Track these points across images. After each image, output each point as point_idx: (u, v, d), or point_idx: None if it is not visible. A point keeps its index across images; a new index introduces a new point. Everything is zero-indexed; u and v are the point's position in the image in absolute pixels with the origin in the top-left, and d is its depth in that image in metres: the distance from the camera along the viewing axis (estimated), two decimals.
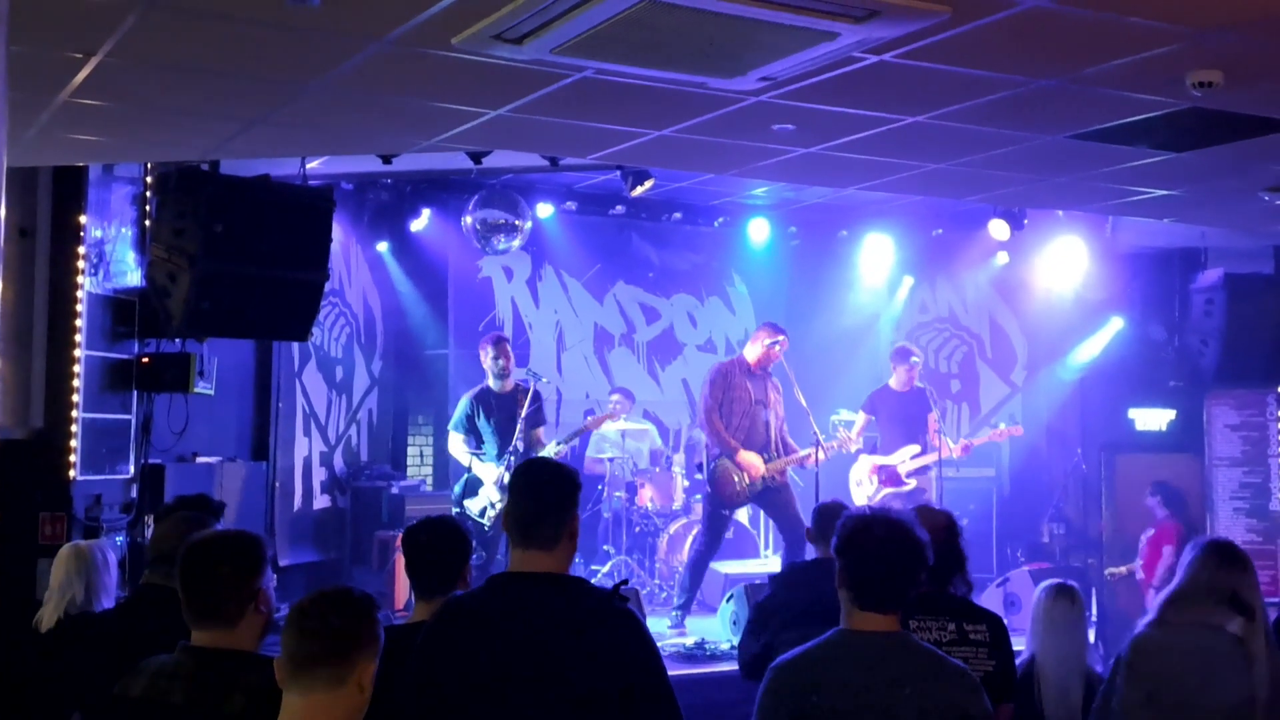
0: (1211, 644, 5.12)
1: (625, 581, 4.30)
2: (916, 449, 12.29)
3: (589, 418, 12.41)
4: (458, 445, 11.17)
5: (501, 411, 11.03)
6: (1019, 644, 5.67)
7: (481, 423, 11.00)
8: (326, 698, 3.38)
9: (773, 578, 7.13)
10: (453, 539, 4.99)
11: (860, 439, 12.23)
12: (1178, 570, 5.41)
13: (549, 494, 4.07)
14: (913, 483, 12.24)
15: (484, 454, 10.93)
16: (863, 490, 12.31)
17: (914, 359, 12.55)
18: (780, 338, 11.26)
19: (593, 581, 4.24)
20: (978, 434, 13.02)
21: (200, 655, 3.84)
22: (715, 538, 11.28)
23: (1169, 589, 5.39)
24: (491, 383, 11.15)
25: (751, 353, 11.31)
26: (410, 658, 4.02)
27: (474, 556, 5.20)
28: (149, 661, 3.92)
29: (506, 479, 10.59)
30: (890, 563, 4.05)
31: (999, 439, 12.92)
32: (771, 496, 11.13)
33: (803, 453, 11.23)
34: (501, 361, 11.08)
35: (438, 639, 4.02)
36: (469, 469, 10.96)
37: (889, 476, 12.32)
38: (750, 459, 10.93)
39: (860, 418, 12.38)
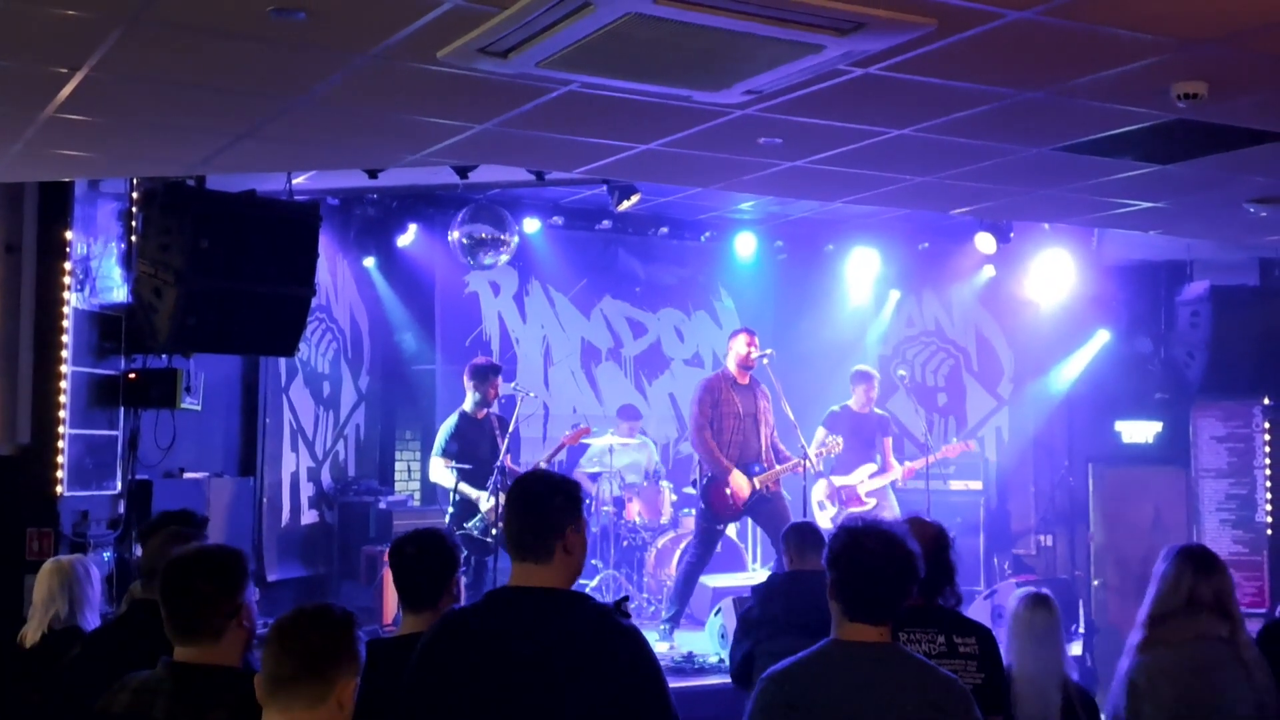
0: (1214, 656, 5.12)
1: (627, 598, 4.26)
2: (874, 467, 12.47)
3: (566, 432, 12.37)
4: (440, 470, 11.06)
5: (481, 436, 11.06)
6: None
7: (465, 446, 10.99)
8: (306, 715, 3.39)
9: (755, 589, 7.15)
10: (440, 551, 4.97)
11: (825, 457, 12.24)
12: (1152, 581, 5.40)
13: (543, 507, 4.01)
14: (873, 501, 12.35)
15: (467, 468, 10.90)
16: (825, 514, 12.36)
17: (874, 381, 12.88)
18: (751, 335, 11.39)
19: (589, 595, 4.21)
20: (934, 452, 12.98)
21: (182, 671, 3.83)
22: (707, 551, 11.30)
23: (1148, 604, 5.38)
24: (468, 406, 11.15)
25: (732, 362, 11.38)
26: (404, 671, 3.99)
27: (462, 569, 5.16)
28: (131, 677, 3.92)
29: (490, 499, 10.62)
30: (881, 574, 4.05)
31: (951, 454, 12.95)
32: (764, 507, 11.14)
33: (792, 461, 11.24)
34: (491, 393, 11.14)
35: (435, 653, 3.98)
36: (456, 491, 10.88)
37: (849, 496, 12.41)
38: (739, 483, 10.94)
39: (819, 435, 12.44)
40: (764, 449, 11.22)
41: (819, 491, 12.53)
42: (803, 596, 6.48)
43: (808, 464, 11.19)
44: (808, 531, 7.16)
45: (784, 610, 6.43)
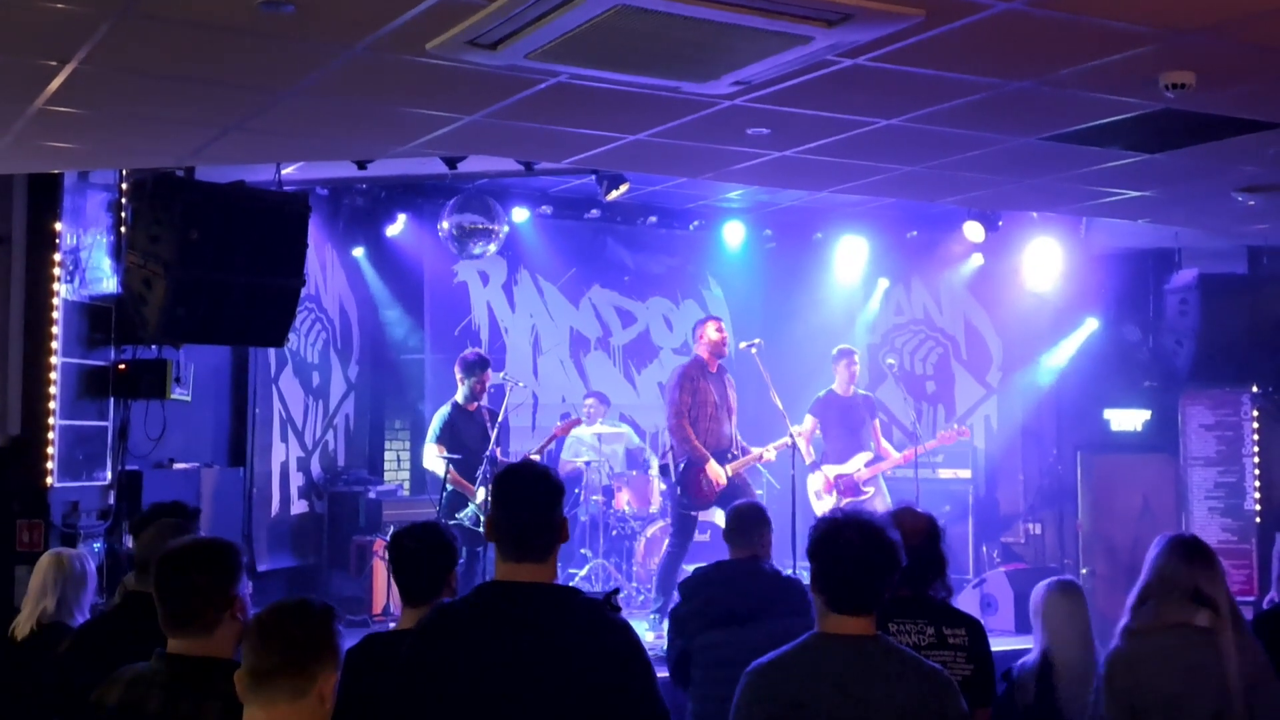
0: (1184, 644, 5.10)
1: (617, 591, 4.26)
2: (869, 455, 12.40)
3: (558, 424, 12.41)
4: (433, 457, 11.05)
5: (472, 427, 11.08)
6: (999, 646, 5.67)
7: (456, 437, 10.99)
8: (288, 710, 3.39)
9: (680, 585, 7.08)
10: (439, 545, 4.97)
11: (813, 450, 12.24)
12: (1143, 567, 5.41)
13: (542, 502, 4.00)
14: (871, 490, 12.30)
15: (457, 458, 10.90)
16: (823, 504, 12.29)
17: (854, 356, 12.74)
18: (720, 321, 11.44)
19: (579, 589, 4.21)
20: (926, 440, 12.99)
21: (176, 663, 3.83)
22: (685, 539, 11.24)
23: (1135, 588, 5.38)
24: (460, 398, 11.16)
25: (704, 350, 11.31)
26: (397, 666, 3.99)
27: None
28: (125, 669, 3.92)
29: (482, 491, 10.61)
30: (862, 565, 4.02)
31: (948, 442, 12.94)
32: (735, 497, 11.12)
33: (757, 451, 11.24)
34: (478, 387, 11.14)
35: (426, 648, 3.97)
36: (446, 481, 10.87)
37: (848, 486, 12.37)
38: (716, 471, 10.92)
39: (808, 422, 12.39)
40: (734, 439, 11.22)
41: (815, 482, 12.48)
42: (725, 585, 6.40)
43: (771, 453, 11.20)
44: (737, 515, 6.94)
45: (707, 603, 6.33)
